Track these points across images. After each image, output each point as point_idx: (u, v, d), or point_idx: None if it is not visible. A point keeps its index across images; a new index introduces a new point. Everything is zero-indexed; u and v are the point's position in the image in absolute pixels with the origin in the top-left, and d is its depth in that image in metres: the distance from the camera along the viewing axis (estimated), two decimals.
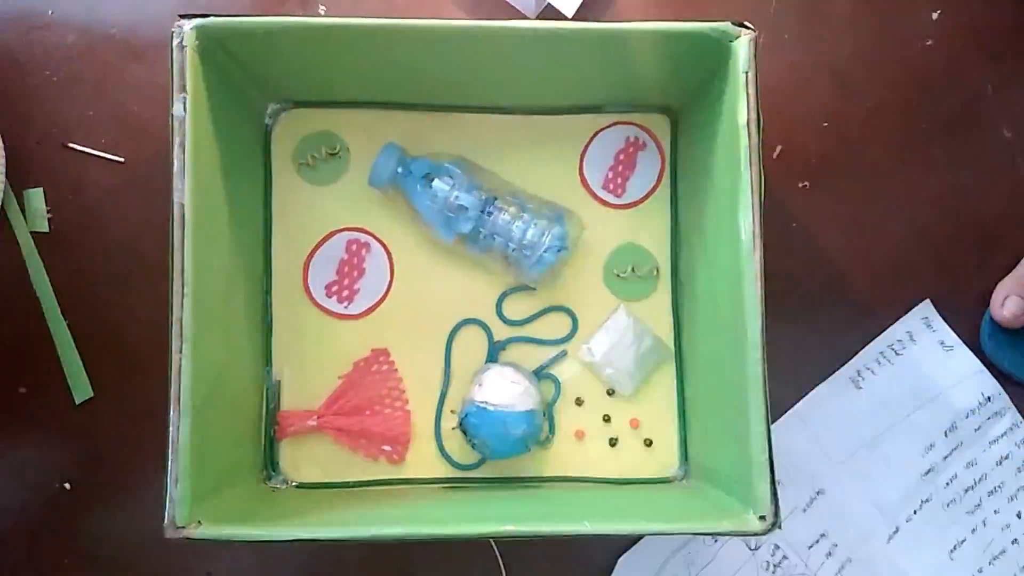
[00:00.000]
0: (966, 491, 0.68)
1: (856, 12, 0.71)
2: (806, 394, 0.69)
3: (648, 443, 0.66)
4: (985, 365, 0.69)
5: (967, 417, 0.69)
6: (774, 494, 0.51)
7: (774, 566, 0.67)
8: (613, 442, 0.66)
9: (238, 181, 0.61)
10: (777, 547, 0.67)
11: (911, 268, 0.70)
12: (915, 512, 0.68)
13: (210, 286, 0.53)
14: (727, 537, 0.66)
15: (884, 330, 0.69)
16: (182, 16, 0.52)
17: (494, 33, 0.55)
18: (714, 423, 0.60)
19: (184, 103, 0.52)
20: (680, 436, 0.66)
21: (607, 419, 0.66)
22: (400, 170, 0.63)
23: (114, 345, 0.66)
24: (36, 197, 0.67)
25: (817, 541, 0.67)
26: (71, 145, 0.67)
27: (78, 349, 0.66)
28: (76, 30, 0.68)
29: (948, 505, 0.68)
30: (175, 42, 0.52)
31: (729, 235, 0.54)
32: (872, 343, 0.69)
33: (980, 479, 0.68)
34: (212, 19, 0.52)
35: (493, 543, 0.63)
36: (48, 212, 0.67)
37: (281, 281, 0.66)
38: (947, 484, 0.68)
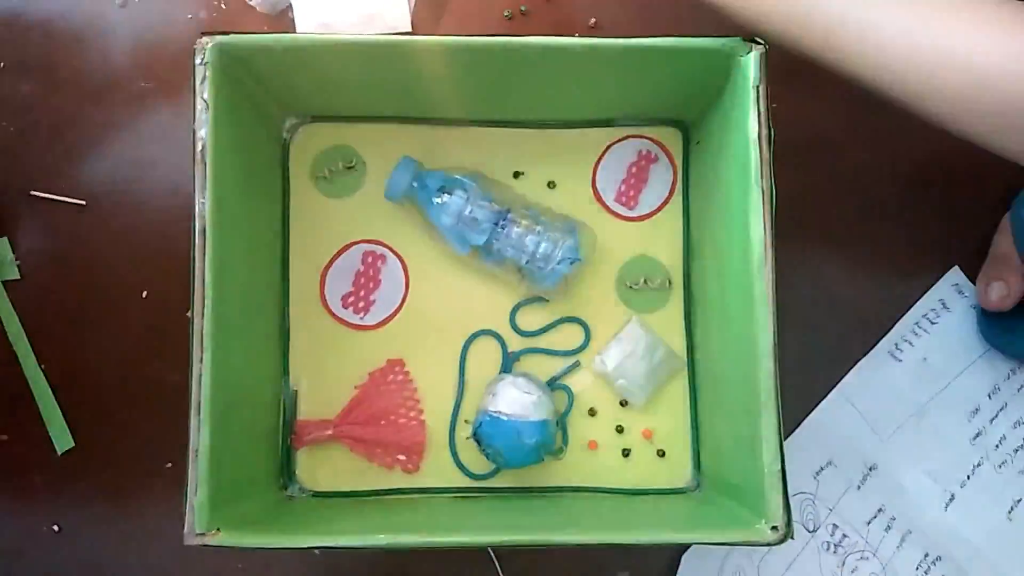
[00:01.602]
0: (1016, 451, 0.69)
1: None
2: (848, 372, 0.69)
3: (661, 453, 0.66)
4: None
5: (1008, 378, 0.69)
6: (787, 504, 0.52)
7: (834, 546, 0.67)
8: (626, 452, 0.66)
9: (256, 194, 0.62)
10: (835, 526, 0.68)
11: (937, 236, 0.71)
12: (968, 477, 0.69)
13: (229, 297, 0.54)
14: None
15: (916, 301, 0.70)
16: (204, 33, 0.54)
17: (507, 48, 0.55)
18: (727, 434, 0.61)
19: (206, 119, 0.53)
20: (693, 447, 0.66)
21: (620, 429, 0.66)
22: (415, 184, 0.64)
23: (92, 389, 0.67)
24: (3, 246, 0.68)
25: (875, 516, 0.68)
26: (33, 192, 0.68)
27: (57, 396, 0.67)
28: (30, 79, 0.69)
29: (1000, 467, 0.69)
30: (197, 59, 0.53)
31: (741, 247, 0.54)
32: (907, 315, 0.70)
33: None
34: (233, 36, 0.54)
35: (492, 552, 0.63)
36: (16, 260, 0.68)
37: (298, 292, 0.67)
38: (996, 446, 0.69)
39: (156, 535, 0.65)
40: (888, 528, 0.68)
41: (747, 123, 0.54)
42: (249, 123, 0.60)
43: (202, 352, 0.51)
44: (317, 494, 0.65)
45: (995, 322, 0.68)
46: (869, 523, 0.68)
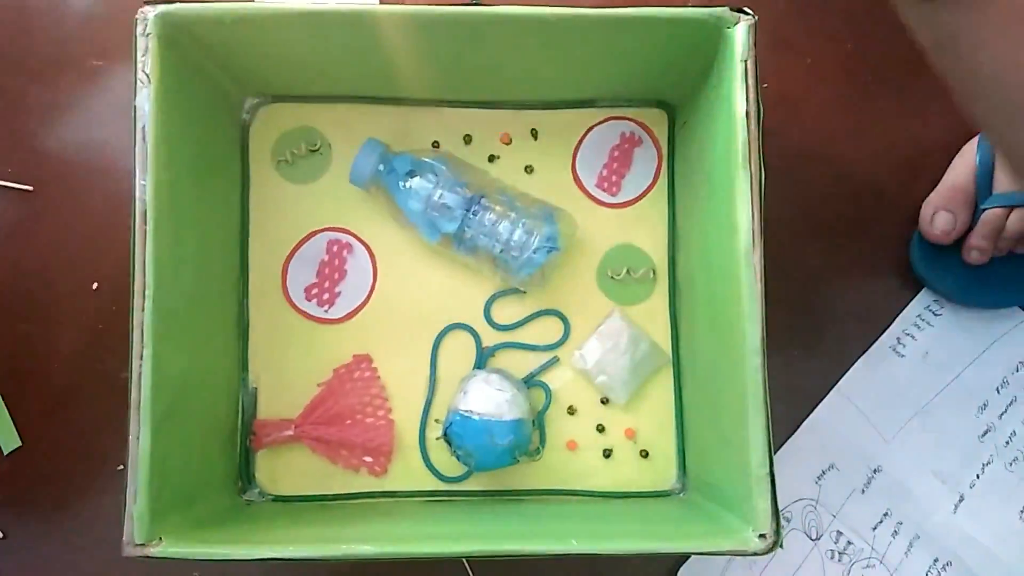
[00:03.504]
0: None
1: None
2: (848, 369, 0.65)
3: (644, 454, 0.62)
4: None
5: (1017, 370, 0.66)
6: (775, 511, 0.48)
7: (839, 553, 0.64)
8: (607, 453, 0.62)
9: (212, 178, 0.58)
10: (840, 533, 0.64)
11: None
12: (978, 477, 0.65)
13: (177, 287, 0.51)
14: (785, 532, 0.63)
15: (918, 293, 0.66)
16: (147, 2, 0.50)
17: (477, 19, 0.52)
18: (713, 434, 0.57)
19: (147, 94, 0.49)
20: (678, 447, 0.62)
21: (601, 429, 0.63)
22: (382, 167, 0.60)
23: (39, 384, 0.63)
24: None
25: (881, 521, 0.65)
26: None
27: (3, 393, 0.63)
28: None
29: (1011, 464, 0.66)
30: (138, 30, 0.49)
31: (728, 232, 0.51)
32: (908, 307, 0.66)
33: None
34: (178, 6, 0.50)
35: (465, 561, 0.59)
36: None
37: (258, 284, 0.63)
38: (1007, 443, 0.66)
39: (106, 542, 0.60)
40: (895, 533, 0.65)
41: (733, 99, 0.50)
42: (202, 102, 0.56)
43: (142, 347, 0.48)
44: (278, 498, 0.61)
45: (931, 253, 0.65)
46: (875, 528, 0.65)
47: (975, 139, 0.63)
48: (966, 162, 0.63)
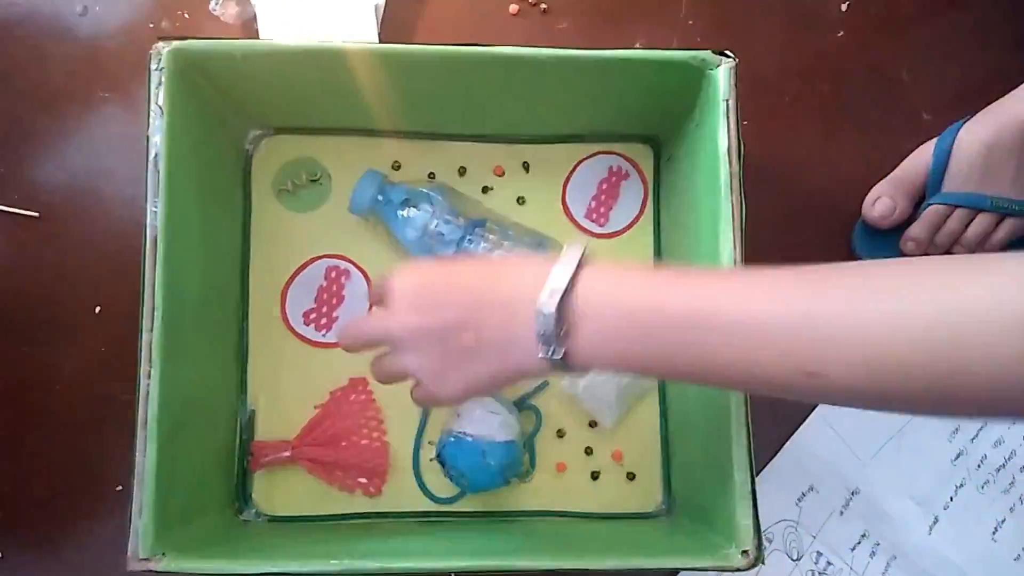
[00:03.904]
0: (998, 470, 0.68)
1: (767, 11, 0.72)
2: None
3: (631, 476, 0.64)
4: None
5: None
6: (757, 528, 0.50)
7: (819, 574, 0.66)
8: (595, 475, 0.64)
9: (216, 206, 0.61)
10: (820, 553, 0.66)
11: None
12: (951, 499, 0.68)
13: (182, 309, 0.52)
14: (767, 552, 0.65)
15: None
16: (160, 38, 0.52)
17: (476, 59, 0.54)
18: (697, 457, 0.59)
19: (160, 125, 0.51)
20: (663, 469, 0.64)
21: (589, 451, 0.64)
22: (380, 197, 0.63)
23: (41, 405, 0.64)
24: None
25: (859, 542, 0.66)
26: None
27: (5, 414, 0.64)
28: None
29: (983, 487, 0.68)
30: (152, 65, 0.52)
31: (711, 263, 0.53)
32: None
33: (1010, 456, 0.69)
34: (190, 42, 0.52)
35: None
36: None
37: (258, 308, 0.64)
38: (978, 466, 0.68)
39: (103, 562, 0.62)
40: (873, 554, 0.67)
41: (716, 136, 0.53)
42: (208, 133, 0.58)
43: (150, 367, 0.49)
44: (274, 519, 0.62)
45: (869, 236, 0.68)
46: (854, 549, 0.67)
47: (933, 140, 0.67)
48: (920, 159, 0.67)
